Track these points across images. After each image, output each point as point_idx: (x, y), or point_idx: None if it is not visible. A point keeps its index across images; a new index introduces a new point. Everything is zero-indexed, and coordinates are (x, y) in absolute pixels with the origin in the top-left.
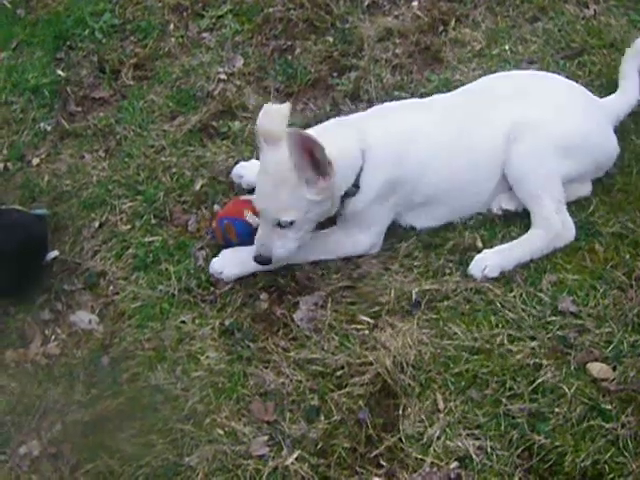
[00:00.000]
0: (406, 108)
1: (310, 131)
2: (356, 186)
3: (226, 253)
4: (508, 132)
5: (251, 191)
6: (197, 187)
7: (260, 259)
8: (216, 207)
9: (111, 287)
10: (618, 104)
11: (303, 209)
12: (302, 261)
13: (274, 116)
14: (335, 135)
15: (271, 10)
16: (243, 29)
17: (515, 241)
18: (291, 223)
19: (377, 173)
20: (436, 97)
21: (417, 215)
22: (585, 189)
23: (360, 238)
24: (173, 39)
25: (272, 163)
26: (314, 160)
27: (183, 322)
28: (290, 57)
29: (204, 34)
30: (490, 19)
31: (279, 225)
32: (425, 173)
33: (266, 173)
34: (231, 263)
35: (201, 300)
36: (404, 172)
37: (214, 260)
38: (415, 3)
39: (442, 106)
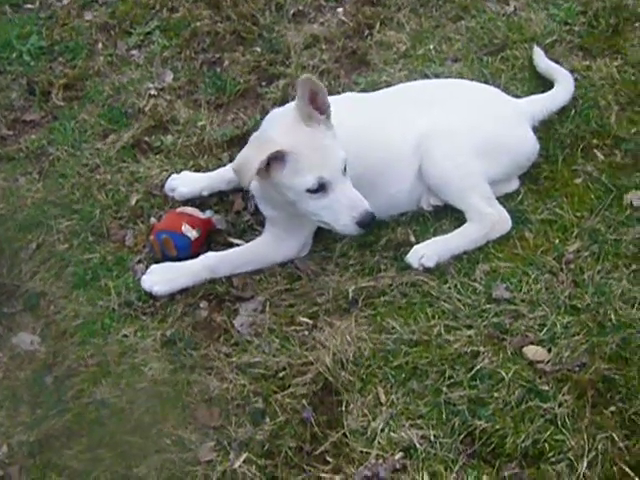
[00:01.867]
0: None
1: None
2: None
3: (155, 270)
4: (421, 137)
5: (185, 203)
6: (132, 202)
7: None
8: (152, 220)
9: (52, 307)
10: (538, 105)
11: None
12: (231, 273)
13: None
14: None
15: (198, 24)
16: (171, 44)
17: (452, 233)
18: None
19: None
20: (349, 95)
21: None
22: (512, 186)
23: (290, 242)
24: (102, 58)
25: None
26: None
27: (125, 336)
28: (219, 69)
29: (133, 51)
30: (414, 20)
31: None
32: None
33: (305, 148)
34: (160, 280)
35: (142, 313)
36: None
37: (144, 278)
38: (340, 9)
39: (363, 103)
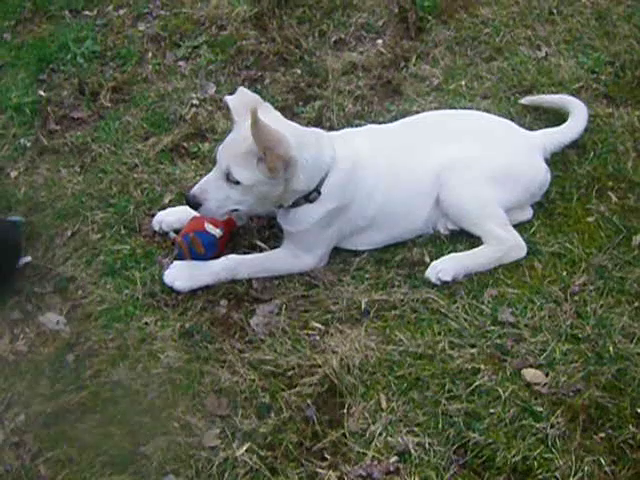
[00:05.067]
0: (361, 134)
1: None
2: (317, 192)
3: (178, 266)
4: (439, 167)
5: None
6: (166, 201)
7: (192, 199)
8: None
9: (80, 291)
10: (551, 137)
11: (253, 178)
12: (249, 276)
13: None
14: (314, 136)
15: (244, 43)
16: (217, 59)
17: (468, 251)
18: (237, 183)
19: (336, 187)
20: (373, 127)
21: (358, 240)
22: (526, 215)
23: (305, 258)
24: (150, 66)
25: (244, 127)
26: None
27: (146, 324)
28: (260, 86)
29: (180, 62)
30: (449, 57)
31: (227, 179)
32: (371, 198)
33: (238, 130)
34: (182, 277)
35: (164, 304)
36: (353, 196)
37: (166, 273)
38: (380, 41)
39: (385, 135)
